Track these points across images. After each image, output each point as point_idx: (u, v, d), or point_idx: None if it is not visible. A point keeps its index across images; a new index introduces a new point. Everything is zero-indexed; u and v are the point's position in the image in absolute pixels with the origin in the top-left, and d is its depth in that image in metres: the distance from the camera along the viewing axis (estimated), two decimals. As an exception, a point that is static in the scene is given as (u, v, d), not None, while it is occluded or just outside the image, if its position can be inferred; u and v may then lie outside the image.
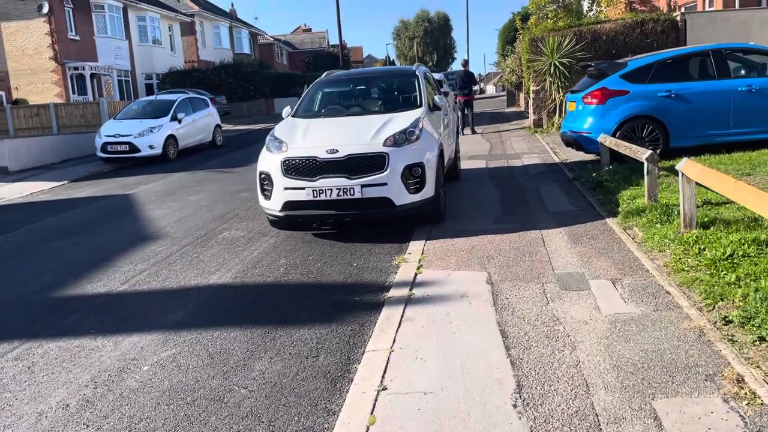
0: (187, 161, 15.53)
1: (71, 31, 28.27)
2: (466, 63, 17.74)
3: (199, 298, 5.27)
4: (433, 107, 7.76)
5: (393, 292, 4.94)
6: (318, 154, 6.40)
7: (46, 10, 26.63)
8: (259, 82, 34.43)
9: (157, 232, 7.83)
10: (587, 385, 3.22)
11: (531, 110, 16.47)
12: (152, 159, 15.50)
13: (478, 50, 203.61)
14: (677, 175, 5.55)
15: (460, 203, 7.99)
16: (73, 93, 28.22)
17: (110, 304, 5.26)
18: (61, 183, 13.38)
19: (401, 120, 6.93)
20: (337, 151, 6.37)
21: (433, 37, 76.93)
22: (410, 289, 4.94)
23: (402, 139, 6.55)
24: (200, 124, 17.66)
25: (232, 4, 52.83)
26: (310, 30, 71.38)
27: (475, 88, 24.56)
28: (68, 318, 4.97)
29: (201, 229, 7.77)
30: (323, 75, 8.81)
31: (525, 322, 4.11)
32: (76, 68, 28.27)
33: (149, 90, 32.86)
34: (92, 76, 29.08)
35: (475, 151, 13.05)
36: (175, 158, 15.97)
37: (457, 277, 5.18)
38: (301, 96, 8.38)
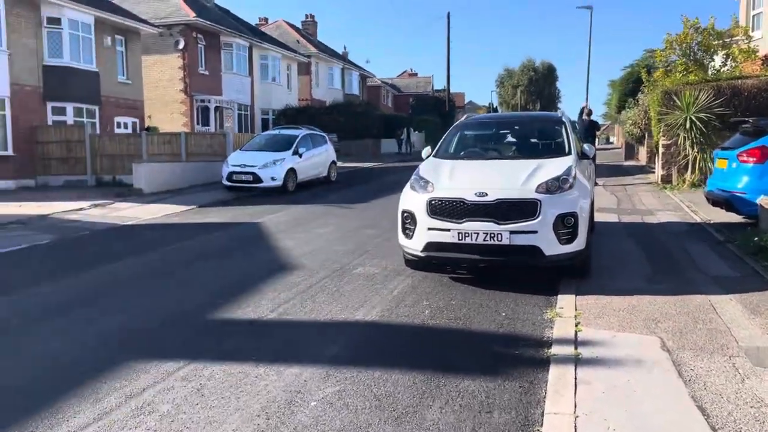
0: (306, 194, 15.92)
1: (201, 67, 30.29)
2: (590, 112, 17.27)
3: (350, 334, 5.18)
4: (582, 155, 7.47)
5: (556, 350, 4.63)
6: (466, 197, 6.25)
7: (182, 46, 28.74)
8: (368, 123, 35.29)
9: (293, 262, 7.93)
10: (832, 486, 2.77)
11: (659, 165, 15.67)
12: (272, 190, 16.03)
13: (579, 101, 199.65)
14: None
15: (602, 257, 7.55)
16: (198, 123, 30.04)
17: (263, 331, 5.29)
18: (190, 207, 14.06)
19: (552, 167, 6.68)
20: (487, 194, 6.19)
21: (537, 86, 76.31)
22: (575, 348, 4.62)
23: (555, 186, 6.29)
24: (318, 159, 18.17)
25: (345, 47, 55.07)
26: (415, 74, 72.96)
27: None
28: (226, 342, 5.02)
29: (335, 263, 7.79)
30: (464, 117, 8.77)
31: (724, 399, 3.68)
32: (202, 101, 30.16)
33: (265, 124, 34.47)
34: (216, 108, 30.89)
35: (603, 203, 12.48)
36: (294, 191, 16.43)
37: (624, 339, 4.79)
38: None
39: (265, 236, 9.99)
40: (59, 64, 20.68)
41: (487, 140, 8.24)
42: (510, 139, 8.21)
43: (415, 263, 6.97)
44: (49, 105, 20.84)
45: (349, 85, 47.43)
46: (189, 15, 28.90)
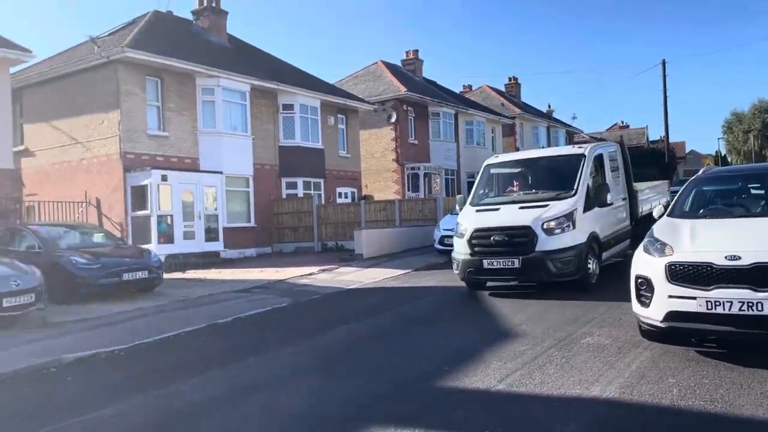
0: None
1: (411, 137, 32.09)
2: None
3: (587, 411, 4.80)
4: None
5: None
6: (714, 260, 5.58)
7: (394, 119, 30.83)
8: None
9: (513, 329, 7.71)
10: None
11: None
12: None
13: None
14: None
15: None
16: (408, 190, 31.60)
17: (493, 403, 5.14)
18: (405, 271, 14.61)
19: (823, 225, 5.71)
20: (740, 257, 5.46)
21: (775, 130, 67.26)
22: None
23: (830, 248, 5.34)
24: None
25: (549, 105, 54.48)
26: (627, 126, 69.24)
27: None
28: (455, 412, 4.96)
29: (559, 331, 7.40)
30: (700, 171, 7.99)
31: None
32: (412, 168, 31.76)
33: (470, 187, 35.02)
34: (425, 174, 32.28)
35: None
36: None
37: None
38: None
39: (479, 301, 9.91)
40: (292, 144, 23.42)
41: (731, 196, 7.36)
42: (760, 194, 7.23)
43: (653, 334, 6.35)
44: (283, 180, 23.55)
45: (554, 142, 46.50)
46: (400, 90, 31.02)
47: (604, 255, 10.60)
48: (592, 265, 9.95)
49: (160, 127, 19.34)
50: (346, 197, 26.80)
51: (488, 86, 46.79)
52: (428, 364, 6.39)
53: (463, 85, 47.80)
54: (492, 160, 11.97)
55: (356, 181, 27.79)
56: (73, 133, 19.29)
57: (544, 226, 9.56)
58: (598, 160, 11.11)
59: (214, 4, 24.39)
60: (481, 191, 11.45)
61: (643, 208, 12.73)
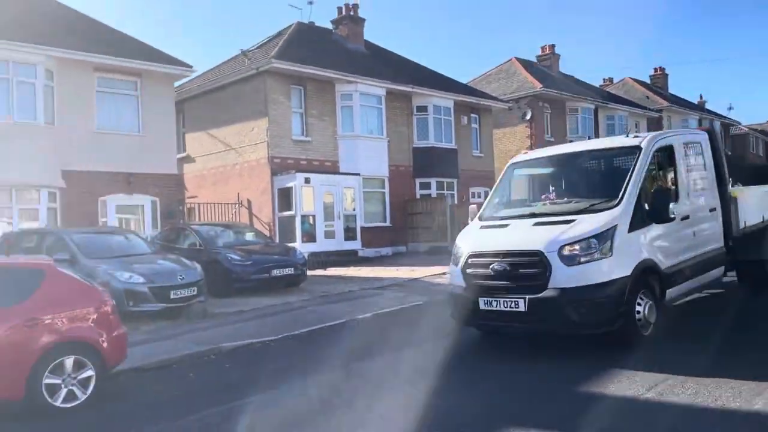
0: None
1: (547, 134, 31.15)
2: None
3: (752, 426, 4.47)
4: None
5: None
6: None
7: (529, 116, 30.13)
8: (736, 174, 31.12)
9: (661, 332, 7.28)
10: None
11: None
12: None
13: None
14: None
15: None
16: (544, 189, 30.70)
17: (641, 412, 4.94)
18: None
19: None
20: None
21: None
22: None
23: None
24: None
25: (701, 96, 50.11)
26: (794, 115, 62.03)
27: None
28: (601, 419, 4.83)
29: (714, 335, 6.89)
30: None
31: None
32: (548, 166, 30.80)
33: (612, 185, 33.27)
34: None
35: None
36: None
37: None
38: None
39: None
40: (425, 145, 23.73)
41: None
42: None
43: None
44: (417, 181, 23.91)
45: (708, 136, 42.82)
46: (536, 87, 30.25)
47: (674, 291, 7.54)
48: (643, 310, 6.86)
49: (303, 133, 20.48)
50: (480, 197, 26.59)
51: (631, 78, 44.13)
52: (569, 368, 6.24)
53: (604, 79, 45.33)
54: (518, 157, 9.20)
55: (490, 181, 27.43)
56: (227, 140, 21.00)
57: (564, 252, 6.67)
58: (666, 154, 8.05)
59: (352, 13, 25.32)
60: (497, 200, 8.78)
61: (748, 221, 9.22)
